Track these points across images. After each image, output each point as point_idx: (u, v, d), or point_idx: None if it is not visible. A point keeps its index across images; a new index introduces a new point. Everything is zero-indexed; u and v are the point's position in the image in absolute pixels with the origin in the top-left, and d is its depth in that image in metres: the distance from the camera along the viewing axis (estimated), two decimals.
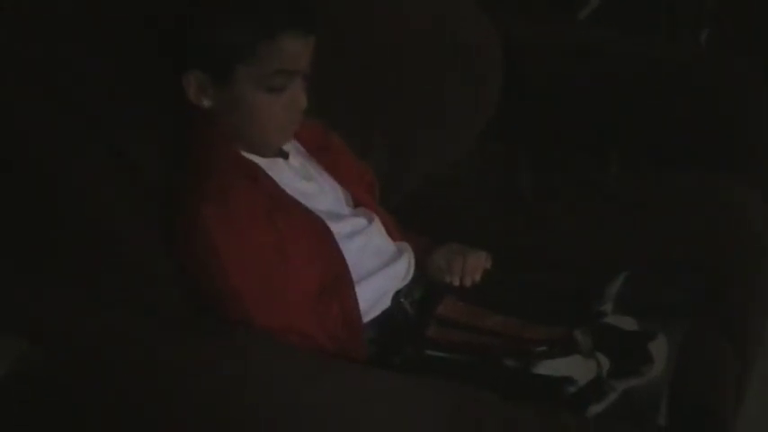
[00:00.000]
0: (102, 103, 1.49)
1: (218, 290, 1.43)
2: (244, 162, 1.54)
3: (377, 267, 1.63)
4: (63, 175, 1.41)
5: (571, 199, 2.12)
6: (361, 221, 1.67)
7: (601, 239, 1.94)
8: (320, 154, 1.73)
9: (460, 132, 2.31)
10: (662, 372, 1.46)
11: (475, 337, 1.56)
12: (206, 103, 1.50)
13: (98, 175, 1.44)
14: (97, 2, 1.55)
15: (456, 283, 1.69)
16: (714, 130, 2.30)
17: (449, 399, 1.35)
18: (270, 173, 1.56)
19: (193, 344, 1.38)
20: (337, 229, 1.58)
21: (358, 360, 1.52)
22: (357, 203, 1.73)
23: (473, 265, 1.71)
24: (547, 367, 1.47)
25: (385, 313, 1.61)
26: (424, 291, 1.67)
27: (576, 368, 1.46)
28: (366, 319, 1.58)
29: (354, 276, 1.56)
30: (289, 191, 1.56)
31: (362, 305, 1.57)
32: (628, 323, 1.54)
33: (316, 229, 1.55)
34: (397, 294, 1.64)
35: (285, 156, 1.62)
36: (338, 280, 1.55)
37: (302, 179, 1.63)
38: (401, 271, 1.66)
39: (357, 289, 1.56)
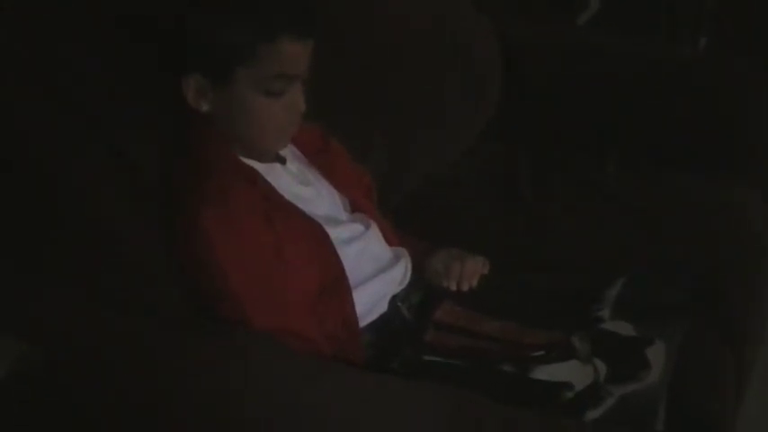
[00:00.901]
0: (102, 104, 1.48)
1: (216, 290, 1.43)
2: (242, 166, 1.54)
3: (374, 272, 1.63)
4: (63, 175, 1.41)
5: (571, 199, 2.12)
6: (359, 227, 1.67)
7: (600, 240, 1.95)
8: (318, 158, 1.73)
9: (460, 132, 2.31)
10: (659, 377, 1.46)
11: (472, 342, 1.56)
12: (204, 106, 1.50)
13: (98, 176, 1.44)
14: (97, 2, 1.55)
15: (453, 287, 1.69)
16: (714, 131, 2.30)
17: (448, 400, 1.35)
18: (267, 178, 1.56)
19: (193, 344, 1.37)
20: (335, 234, 1.58)
21: (356, 363, 1.52)
22: (355, 208, 1.73)
23: (471, 270, 1.71)
24: (544, 372, 1.47)
25: (382, 317, 1.61)
26: (422, 295, 1.67)
27: (573, 373, 1.46)
28: (363, 323, 1.58)
29: (352, 281, 1.56)
30: (286, 196, 1.56)
31: (359, 309, 1.57)
32: (625, 329, 1.54)
33: (314, 234, 1.55)
34: (395, 298, 1.64)
35: (283, 161, 1.62)
36: (336, 284, 1.55)
37: (300, 184, 1.63)
38: (398, 276, 1.66)
39: (354, 293, 1.56)
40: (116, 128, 1.48)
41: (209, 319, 1.43)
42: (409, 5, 2.19)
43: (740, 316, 1.89)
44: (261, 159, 1.57)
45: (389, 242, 1.72)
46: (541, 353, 1.50)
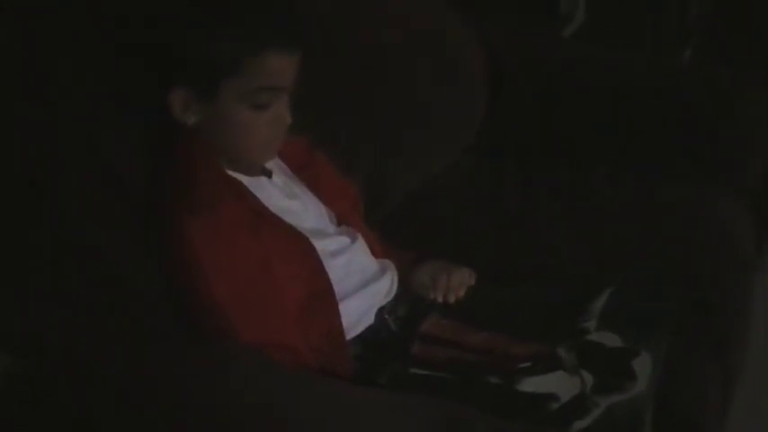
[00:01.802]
0: (89, 117, 1.48)
1: (203, 303, 1.42)
2: (228, 179, 1.54)
3: (360, 285, 1.63)
4: (49, 188, 1.41)
5: (557, 211, 2.12)
6: (345, 240, 1.67)
7: (586, 252, 1.95)
8: (304, 171, 1.73)
9: (447, 145, 2.32)
10: (646, 388, 1.46)
11: (459, 354, 1.56)
12: (191, 119, 1.49)
13: (85, 189, 1.44)
14: (84, 15, 1.55)
15: (440, 299, 1.69)
16: (700, 143, 2.31)
17: (436, 412, 1.35)
18: (254, 191, 1.55)
19: (179, 357, 1.37)
20: (321, 246, 1.58)
21: (342, 376, 1.52)
22: (341, 221, 1.73)
23: (457, 282, 1.71)
24: (530, 384, 1.47)
25: (369, 329, 1.61)
26: (408, 307, 1.67)
27: (559, 384, 1.46)
28: (350, 335, 1.58)
29: (338, 294, 1.56)
30: (273, 209, 1.56)
31: (346, 322, 1.56)
32: (612, 340, 1.54)
33: (300, 247, 1.55)
34: (381, 311, 1.64)
35: (269, 174, 1.62)
36: (322, 297, 1.55)
37: (286, 197, 1.62)
38: (384, 288, 1.66)
39: (341, 306, 1.56)
40: (103, 141, 1.48)
41: (196, 331, 1.43)
42: (396, 19, 2.19)
43: (726, 327, 1.89)
44: (247, 172, 1.57)
45: (376, 254, 1.72)
46: (528, 364, 1.50)
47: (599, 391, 1.45)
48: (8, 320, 1.39)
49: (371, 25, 2.14)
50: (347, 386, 1.45)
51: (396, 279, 1.70)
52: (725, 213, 2.17)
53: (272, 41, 1.46)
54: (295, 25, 1.51)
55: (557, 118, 2.39)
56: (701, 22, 3.43)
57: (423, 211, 2.12)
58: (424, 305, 1.68)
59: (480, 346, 1.57)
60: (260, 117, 1.50)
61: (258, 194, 1.56)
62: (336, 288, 1.56)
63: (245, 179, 1.56)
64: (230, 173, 1.55)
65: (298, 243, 1.55)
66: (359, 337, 1.59)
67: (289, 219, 1.57)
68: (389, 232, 1.85)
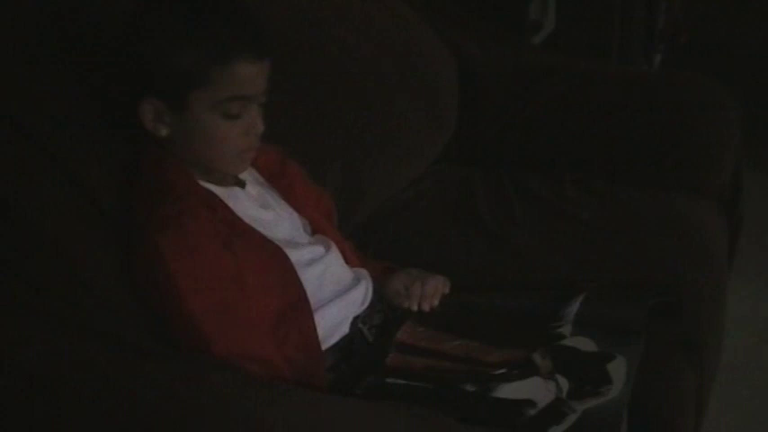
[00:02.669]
0: (59, 131, 1.47)
1: (175, 316, 1.42)
2: (201, 190, 1.53)
3: (334, 295, 1.62)
4: (20, 204, 1.40)
5: (529, 219, 2.13)
6: (319, 249, 1.67)
7: (559, 260, 1.96)
8: (277, 180, 1.72)
9: (418, 154, 2.32)
10: (621, 392, 1.47)
11: (435, 362, 1.56)
12: (163, 131, 1.49)
13: (56, 204, 1.43)
14: (53, 29, 1.54)
15: (414, 307, 1.69)
16: (670, 147, 2.32)
17: (413, 421, 1.34)
18: (227, 201, 1.55)
19: (151, 371, 1.36)
20: (296, 257, 1.57)
21: (318, 387, 1.51)
22: (315, 230, 1.72)
23: (431, 290, 1.71)
24: (506, 390, 1.46)
25: (344, 339, 1.61)
26: (383, 316, 1.66)
27: (535, 390, 1.46)
28: (325, 345, 1.57)
29: (313, 304, 1.56)
30: (246, 220, 1.55)
31: (321, 332, 1.56)
32: (586, 344, 1.54)
33: (274, 258, 1.55)
34: (356, 320, 1.63)
35: (242, 185, 1.61)
36: (297, 307, 1.54)
37: (260, 207, 1.62)
38: (359, 297, 1.66)
39: (315, 316, 1.55)
40: (73, 155, 1.47)
41: (169, 345, 1.42)
42: (364, 29, 2.19)
43: (700, 330, 1.90)
44: (220, 183, 1.57)
45: (350, 263, 1.72)
46: (503, 371, 1.50)
47: (575, 396, 1.45)
48: None
49: (342, 37, 2.14)
50: (323, 397, 1.44)
51: (370, 288, 1.69)
52: (696, 216, 2.19)
53: (240, 51, 1.46)
54: (262, 33, 1.50)
55: (527, 126, 2.40)
56: (670, 28, 3.45)
57: (396, 220, 2.12)
58: (398, 313, 1.68)
59: (455, 353, 1.56)
60: (232, 126, 1.50)
61: (231, 205, 1.55)
62: (311, 298, 1.56)
63: (218, 190, 1.55)
64: (203, 184, 1.54)
65: (271, 254, 1.55)
66: (334, 346, 1.59)
67: (262, 229, 1.57)
68: (363, 241, 1.85)
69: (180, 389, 1.32)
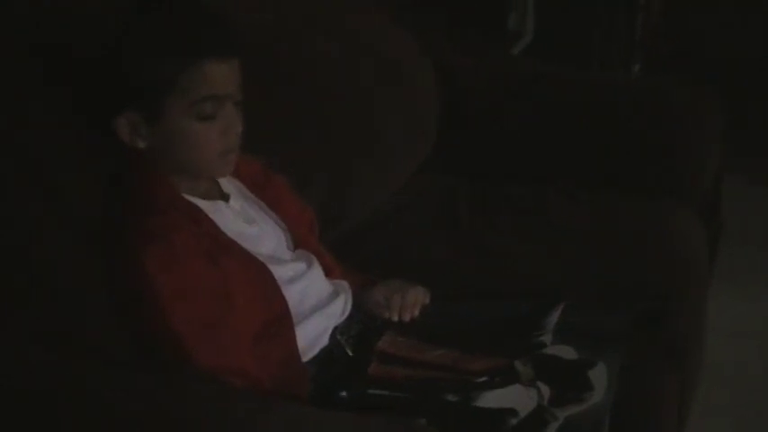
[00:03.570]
0: (43, 147, 1.47)
1: (159, 330, 1.41)
2: (185, 204, 1.53)
3: (315, 308, 1.62)
4: (3, 219, 1.40)
5: (511, 228, 2.13)
6: (302, 266, 1.66)
7: (541, 269, 1.95)
8: (261, 191, 1.72)
9: (401, 164, 2.32)
10: (603, 398, 1.47)
11: (416, 372, 1.56)
12: (141, 143, 1.49)
13: (39, 219, 1.42)
14: (33, 44, 1.54)
15: (395, 318, 1.69)
16: (651, 157, 2.33)
17: (399, 430, 1.34)
18: (211, 215, 1.54)
19: (135, 385, 1.36)
20: (278, 273, 1.57)
21: (300, 400, 1.51)
22: (297, 244, 1.72)
23: (412, 301, 1.71)
24: (488, 399, 1.47)
25: (324, 351, 1.60)
26: (362, 327, 1.66)
27: (517, 398, 1.46)
28: (306, 358, 1.57)
29: (294, 318, 1.55)
30: (230, 234, 1.55)
31: (301, 345, 1.56)
32: (567, 352, 1.55)
33: (257, 273, 1.54)
34: (335, 331, 1.63)
35: (226, 198, 1.61)
36: (280, 322, 1.54)
37: (244, 222, 1.62)
38: (338, 309, 1.66)
39: (296, 330, 1.55)
40: (57, 171, 1.47)
41: (152, 359, 1.42)
42: (346, 38, 2.20)
43: (681, 338, 1.91)
44: (204, 196, 1.56)
45: (332, 276, 1.72)
46: (485, 379, 1.50)
47: (557, 403, 1.46)
48: None
49: (323, 49, 2.14)
50: (305, 409, 1.44)
51: (349, 300, 1.69)
52: (677, 224, 2.19)
53: (206, 51, 1.46)
54: (227, 32, 1.50)
55: (509, 135, 2.40)
56: (649, 37, 3.47)
57: (377, 231, 2.12)
58: (378, 324, 1.68)
59: (437, 362, 1.57)
60: (209, 128, 1.49)
61: (215, 219, 1.55)
62: (292, 313, 1.55)
63: (202, 203, 1.55)
64: (187, 197, 1.54)
65: (255, 269, 1.54)
66: (314, 358, 1.59)
67: (246, 244, 1.56)
68: (345, 252, 1.85)
69: (166, 402, 1.31)
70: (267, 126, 1.78)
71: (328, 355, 1.60)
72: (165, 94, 1.45)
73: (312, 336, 1.59)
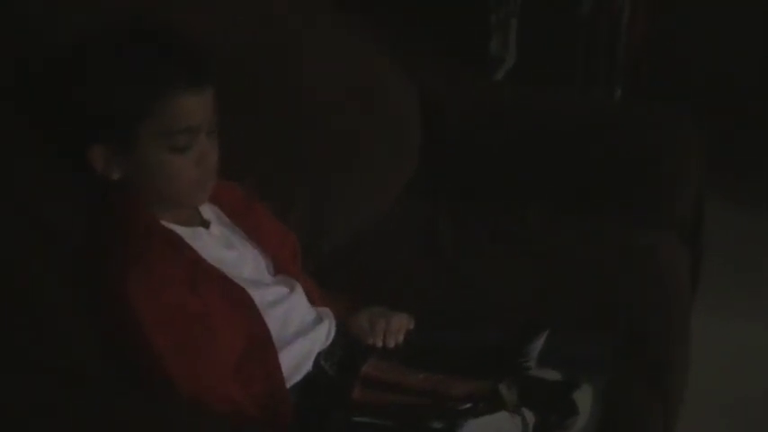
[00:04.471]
0: (26, 176, 1.48)
1: (141, 356, 1.41)
2: (164, 231, 1.53)
3: (298, 333, 1.62)
4: None
5: (493, 254, 2.13)
6: (283, 290, 1.66)
7: (523, 295, 1.95)
8: (241, 218, 1.71)
9: (381, 189, 2.31)
10: (587, 422, 1.47)
11: (400, 397, 1.55)
12: (115, 174, 1.49)
13: (23, 247, 1.43)
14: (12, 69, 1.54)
15: (379, 344, 1.68)
16: (633, 180, 2.34)
17: None
18: (190, 242, 1.54)
19: (119, 412, 1.36)
20: (259, 297, 1.56)
21: (284, 426, 1.50)
22: (279, 269, 1.72)
23: (396, 326, 1.70)
24: (473, 427, 1.46)
25: (307, 377, 1.60)
26: (345, 352, 1.66)
27: (501, 426, 1.46)
28: (289, 383, 1.56)
29: (276, 343, 1.55)
30: (210, 260, 1.54)
31: (285, 371, 1.55)
32: (552, 375, 1.55)
33: (238, 298, 1.54)
34: (318, 357, 1.63)
35: (206, 225, 1.61)
36: (262, 347, 1.53)
37: (224, 248, 1.61)
38: (321, 335, 1.65)
39: (279, 355, 1.55)
40: (40, 199, 1.47)
41: (135, 386, 1.41)
42: (327, 63, 2.20)
43: (665, 361, 1.91)
44: (184, 223, 1.56)
45: (313, 302, 1.71)
46: (469, 405, 1.50)
47: (541, 429, 1.45)
48: None
49: (304, 74, 2.14)
50: None
51: (333, 326, 1.69)
52: (660, 248, 2.20)
53: (178, 83, 1.46)
54: (199, 63, 1.50)
55: (490, 160, 2.40)
56: (630, 61, 3.49)
57: (359, 257, 2.11)
58: (362, 349, 1.67)
59: (420, 386, 1.56)
60: (184, 159, 1.49)
61: (195, 245, 1.55)
62: (275, 338, 1.55)
63: (181, 230, 1.55)
64: (166, 224, 1.54)
65: (236, 295, 1.54)
66: (298, 384, 1.58)
67: (226, 270, 1.56)
68: (327, 278, 1.85)
69: (147, 429, 1.31)
70: (248, 152, 1.79)
71: (312, 382, 1.60)
72: (138, 126, 1.45)
73: (295, 361, 1.59)
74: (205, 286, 1.49)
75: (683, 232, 2.33)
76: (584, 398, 1.50)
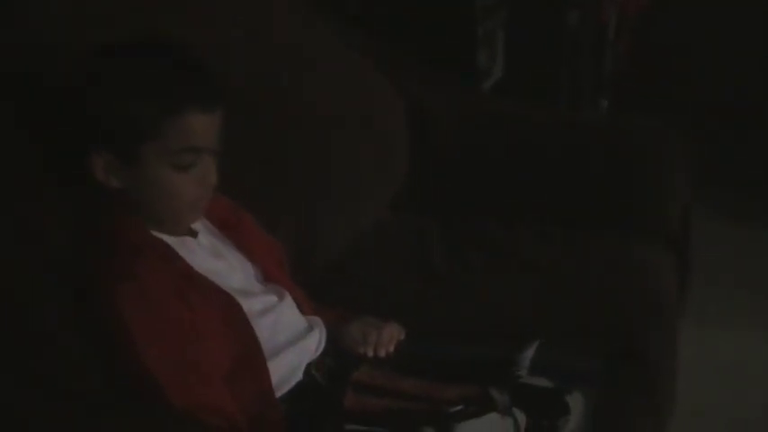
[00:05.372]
0: (16, 188, 1.47)
1: (132, 368, 1.41)
2: (154, 241, 1.52)
3: (288, 343, 1.61)
4: None
5: (484, 269, 2.13)
6: (272, 298, 1.66)
7: (515, 308, 1.96)
8: (230, 230, 1.71)
9: (370, 203, 2.32)
10: (578, 427, 1.47)
11: (392, 402, 1.55)
12: (114, 183, 1.49)
13: (9, 259, 1.42)
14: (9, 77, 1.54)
15: (370, 354, 1.68)
16: (621, 193, 2.35)
17: None
18: (180, 252, 1.54)
19: (112, 425, 1.35)
20: (248, 306, 1.56)
21: None
22: (268, 279, 1.71)
23: (387, 336, 1.70)
24: (465, 429, 1.46)
25: (298, 386, 1.59)
26: (336, 361, 1.65)
27: (493, 428, 1.46)
28: (279, 393, 1.56)
29: (266, 352, 1.54)
30: (199, 270, 1.54)
31: (275, 379, 1.55)
32: (543, 382, 1.55)
33: (227, 307, 1.54)
34: (309, 366, 1.62)
35: (194, 235, 1.61)
36: (251, 357, 1.53)
37: (212, 257, 1.61)
38: (312, 345, 1.65)
39: (269, 364, 1.54)
40: (25, 206, 1.47)
41: (126, 397, 1.40)
42: (317, 78, 2.20)
43: (654, 373, 1.91)
44: (173, 233, 1.56)
45: (304, 312, 1.71)
46: (460, 407, 1.49)
47: (533, 431, 1.45)
48: None
49: (294, 88, 2.15)
50: None
51: (324, 335, 1.68)
52: (648, 261, 2.20)
53: (191, 102, 1.46)
54: (212, 85, 1.50)
55: (480, 173, 2.41)
56: (617, 74, 3.50)
57: (349, 269, 2.12)
58: (353, 358, 1.67)
59: (412, 391, 1.56)
60: (184, 178, 1.49)
61: (184, 255, 1.55)
62: (265, 347, 1.55)
63: (170, 240, 1.55)
64: (155, 233, 1.54)
65: (225, 304, 1.54)
66: (289, 393, 1.58)
67: (215, 279, 1.56)
68: (317, 290, 1.84)
69: None
70: (238, 165, 1.78)
71: (303, 390, 1.59)
72: (145, 140, 1.45)
73: (286, 370, 1.58)
74: (196, 296, 1.48)
75: (671, 244, 2.33)
76: (576, 401, 1.50)
